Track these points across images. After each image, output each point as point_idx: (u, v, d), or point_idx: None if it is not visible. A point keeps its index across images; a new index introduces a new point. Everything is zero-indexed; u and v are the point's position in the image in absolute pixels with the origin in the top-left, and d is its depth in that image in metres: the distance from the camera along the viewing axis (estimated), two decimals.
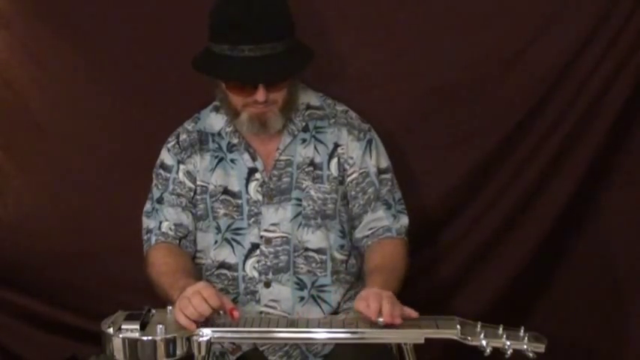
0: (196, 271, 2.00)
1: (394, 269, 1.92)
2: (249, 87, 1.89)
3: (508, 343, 1.61)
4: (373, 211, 2.03)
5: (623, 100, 2.25)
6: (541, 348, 1.61)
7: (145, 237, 2.03)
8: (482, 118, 2.32)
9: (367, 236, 2.03)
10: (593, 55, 2.23)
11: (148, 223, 2.03)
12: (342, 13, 2.27)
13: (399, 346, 1.77)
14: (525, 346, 1.61)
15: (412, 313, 1.69)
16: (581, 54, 2.24)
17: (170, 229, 2.00)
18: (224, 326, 1.69)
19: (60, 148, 2.40)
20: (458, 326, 1.64)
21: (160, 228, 2.00)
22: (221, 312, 1.69)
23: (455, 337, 1.64)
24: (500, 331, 1.63)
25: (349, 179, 2.03)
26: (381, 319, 1.64)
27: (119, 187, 2.38)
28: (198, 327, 1.67)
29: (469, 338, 1.63)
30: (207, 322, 1.69)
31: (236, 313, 1.70)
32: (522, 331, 1.63)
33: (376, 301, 1.66)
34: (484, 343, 1.62)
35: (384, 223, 2.02)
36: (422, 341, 1.66)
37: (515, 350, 1.61)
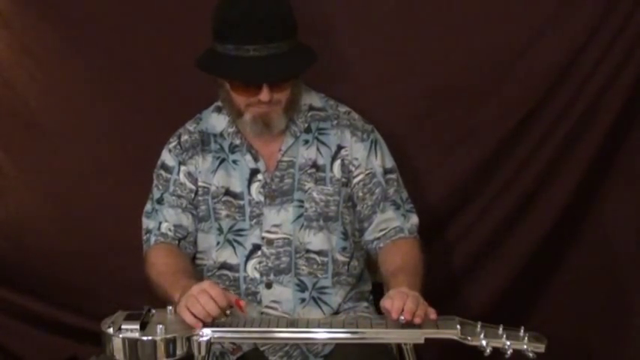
0: (196, 272, 2.00)
1: (415, 269, 1.91)
2: (254, 87, 1.89)
3: (508, 343, 1.61)
4: (382, 212, 2.02)
5: (623, 100, 2.25)
6: (541, 348, 1.61)
7: (145, 237, 2.03)
8: (483, 118, 2.32)
9: (379, 238, 2.02)
10: (593, 55, 2.23)
11: (147, 223, 2.03)
12: (343, 15, 2.27)
13: (399, 346, 1.78)
14: (525, 346, 1.61)
15: (432, 313, 1.69)
16: (581, 54, 2.25)
17: (169, 229, 2.00)
18: (225, 326, 1.69)
19: (60, 149, 2.40)
20: (458, 326, 1.64)
21: (159, 228, 2.00)
22: (227, 312, 1.69)
23: (455, 337, 1.64)
24: (500, 331, 1.63)
25: (355, 181, 2.02)
26: (402, 317, 1.64)
27: (119, 187, 2.38)
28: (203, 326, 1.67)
29: (469, 338, 1.63)
30: (211, 323, 1.69)
31: (242, 302, 1.71)
32: (522, 331, 1.63)
33: (400, 299, 1.66)
34: (484, 343, 1.62)
35: (395, 224, 2.01)
36: (422, 341, 1.66)
37: (515, 350, 1.62)
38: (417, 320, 1.64)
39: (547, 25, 2.25)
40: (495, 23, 2.25)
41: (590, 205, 2.37)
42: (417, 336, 1.66)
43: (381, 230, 2.02)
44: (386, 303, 1.69)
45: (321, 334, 1.68)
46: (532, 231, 2.37)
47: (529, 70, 2.27)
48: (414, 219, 2.05)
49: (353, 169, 2.02)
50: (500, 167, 2.35)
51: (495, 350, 1.62)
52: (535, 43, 2.26)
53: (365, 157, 2.02)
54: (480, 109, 2.31)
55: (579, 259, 2.41)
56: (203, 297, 1.66)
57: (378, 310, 1.77)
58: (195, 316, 1.66)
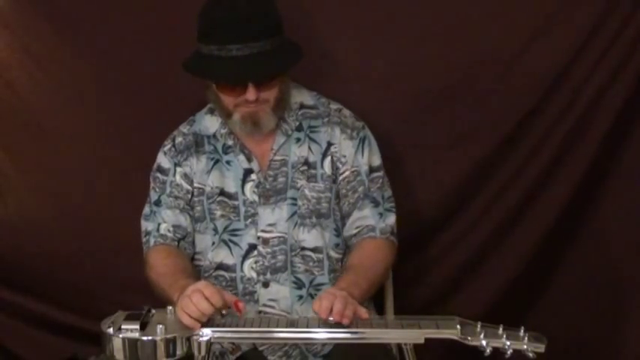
0: (196, 272, 2.01)
1: (368, 270, 1.91)
2: (240, 87, 1.90)
3: (508, 343, 1.61)
4: (360, 210, 2.02)
5: (623, 100, 2.25)
6: (541, 348, 1.61)
7: (144, 239, 2.03)
8: (483, 118, 2.32)
9: (354, 235, 2.03)
10: (593, 55, 2.23)
11: (146, 225, 2.04)
12: (340, 13, 2.27)
13: (399, 346, 1.78)
14: (525, 346, 1.61)
15: (363, 313, 1.69)
16: (581, 54, 2.24)
17: (168, 230, 2.00)
18: (224, 326, 1.69)
19: (60, 148, 2.40)
20: (458, 326, 1.64)
21: (158, 230, 2.01)
22: (224, 312, 1.70)
23: (455, 337, 1.64)
24: (500, 331, 1.63)
25: (341, 177, 2.03)
26: (331, 318, 1.65)
27: (119, 188, 2.38)
28: (201, 327, 1.67)
29: (469, 338, 1.63)
30: (209, 322, 1.69)
31: (241, 305, 1.71)
32: (522, 331, 1.62)
33: (328, 300, 1.67)
34: (484, 343, 1.62)
35: (368, 222, 2.01)
36: (422, 341, 1.66)
37: (515, 350, 1.62)
38: (345, 321, 1.65)
39: (547, 25, 2.25)
40: (495, 23, 2.25)
41: (590, 205, 2.37)
42: (417, 336, 1.66)
43: (356, 228, 2.02)
44: (314, 304, 1.69)
45: (320, 334, 1.68)
46: (532, 231, 2.37)
47: (529, 70, 2.27)
48: (391, 219, 2.04)
49: (340, 165, 2.02)
50: (499, 167, 2.35)
51: (495, 350, 1.62)
52: (535, 43, 2.25)
53: (352, 154, 2.03)
54: (479, 110, 2.31)
55: (579, 259, 2.41)
56: (196, 296, 1.67)
57: (377, 310, 1.77)
58: (190, 317, 1.66)
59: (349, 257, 1.99)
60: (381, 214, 2.03)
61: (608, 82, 2.24)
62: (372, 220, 2.01)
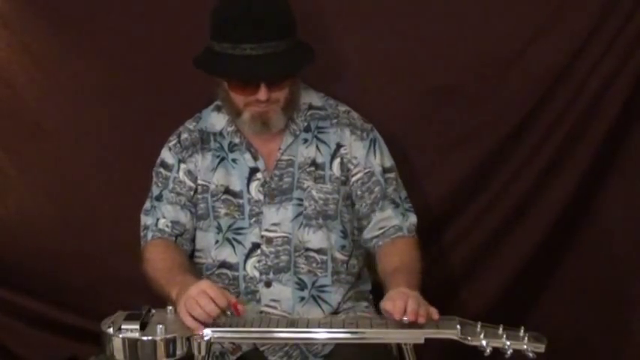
0: (193, 268, 2.00)
1: (414, 268, 1.92)
2: (251, 86, 1.89)
3: (508, 343, 1.61)
4: (381, 211, 2.02)
5: (623, 100, 2.25)
6: (541, 348, 1.61)
7: (142, 233, 2.04)
8: (483, 118, 2.32)
9: (377, 236, 2.02)
10: (593, 55, 2.23)
11: (145, 220, 2.04)
12: (343, 14, 2.28)
13: (399, 346, 1.78)
14: (525, 346, 1.61)
15: (435, 313, 1.69)
16: (581, 54, 2.25)
17: (167, 226, 2.00)
18: (224, 326, 1.69)
19: (60, 148, 2.40)
20: (458, 326, 1.65)
21: (156, 224, 2.01)
22: (228, 312, 1.69)
23: (455, 337, 1.64)
24: (500, 331, 1.63)
25: (354, 179, 2.03)
26: (405, 318, 1.64)
27: (119, 187, 2.38)
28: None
29: (469, 338, 1.63)
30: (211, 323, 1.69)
31: (240, 307, 1.71)
32: (522, 331, 1.63)
33: (402, 300, 1.67)
34: (484, 343, 1.62)
35: (394, 223, 2.02)
36: (422, 341, 1.66)
37: (515, 350, 1.62)
38: (421, 320, 1.65)
39: (547, 25, 2.25)
40: (495, 23, 2.25)
41: (589, 205, 2.37)
42: (417, 336, 1.66)
43: (380, 229, 2.02)
44: (387, 304, 1.69)
45: (321, 334, 1.69)
46: (532, 231, 2.37)
47: (529, 70, 2.27)
48: (413, 218, 2.05)
49: (352, 167, 2.02)
50: (500, 167, 2.35)
51: (495, 350, 1.63)
52: (535, 43, 2.26)
53: (364, 155, 2.03)
54: (480, 109, 2.31)
55: (579, 258, 2.41)
56: (202, 299, 1.66)
57: (378, 310, 1.76)
58: (196, 319, 1.66)
59: (387, 260, 1.97)
60: (403, 214, 2.03)
61: (608, 83, 2.24)
62: (397, 220, 2.02)
